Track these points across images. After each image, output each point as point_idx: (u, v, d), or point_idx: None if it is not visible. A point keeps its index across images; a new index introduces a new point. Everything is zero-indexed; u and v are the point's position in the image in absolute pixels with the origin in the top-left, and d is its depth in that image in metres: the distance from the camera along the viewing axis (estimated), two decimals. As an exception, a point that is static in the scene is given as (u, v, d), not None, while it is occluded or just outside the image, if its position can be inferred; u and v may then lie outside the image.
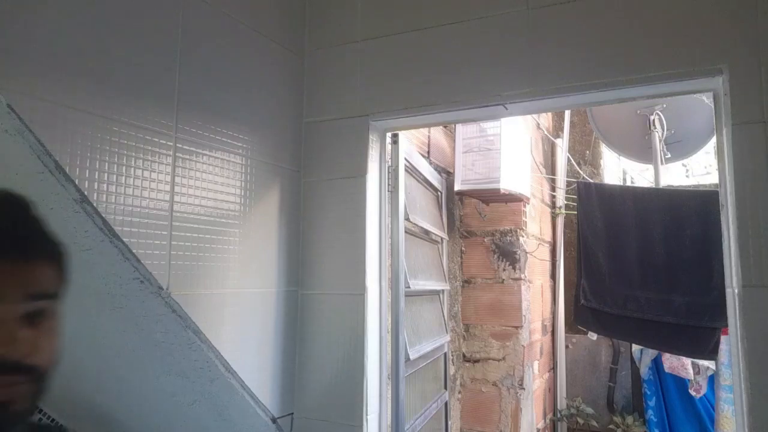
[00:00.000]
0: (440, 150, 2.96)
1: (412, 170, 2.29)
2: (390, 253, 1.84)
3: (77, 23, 1.11)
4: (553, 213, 4.17)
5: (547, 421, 3.81)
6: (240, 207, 1.52)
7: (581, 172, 4.26)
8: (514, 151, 3.02)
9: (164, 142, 1.28)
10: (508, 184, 2.92)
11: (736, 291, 1.26)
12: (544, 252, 3.88)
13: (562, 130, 4.26)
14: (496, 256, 3.23)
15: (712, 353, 2.81)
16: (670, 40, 1.37)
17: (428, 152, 2.80)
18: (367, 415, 1.63)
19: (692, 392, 3.32)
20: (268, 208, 1.64)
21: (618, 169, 4.68)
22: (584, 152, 4.49)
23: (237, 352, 1.45)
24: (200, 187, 1.39)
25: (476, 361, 3.22)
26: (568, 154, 4.26)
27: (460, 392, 3.19)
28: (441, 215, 2.87)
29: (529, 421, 3.26)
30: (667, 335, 2.85)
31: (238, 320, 1.50)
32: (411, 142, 2.45)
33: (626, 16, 1.42)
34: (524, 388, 3.13)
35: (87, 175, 1.10)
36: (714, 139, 1.49)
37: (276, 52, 1.72)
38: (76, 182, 1.06)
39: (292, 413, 1.69)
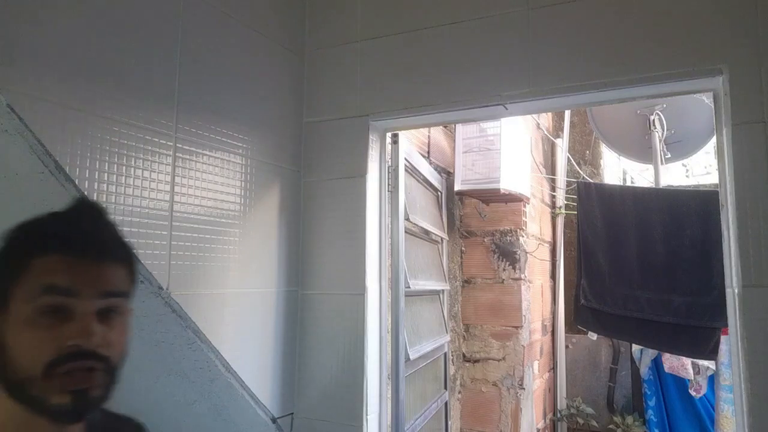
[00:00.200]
0: (440, 150, 2.96)
1: (412, 170, 2.29)
2: (390, 253, 1.84)
3: (77, 24, 1.11)
4: (553, 213, 4.17)
5: (547, 421, 3.81)
6: (240, 207, 1.52)
7: (581, 172, 4.26)
8: (514, 151, 3.02)
9: (164, 142, 1.28)
10: (508, 184, 2.91)
11: (736, 291, 1.26)
12: (544, 252, 3.88)
13: (562, 130, 4.26)
14: (496, 256, 3.23)
15: (712, 353, 2.80)
16: (670, 40, 1.37)
17: (428, 152, 2.80)
18: (367, 415, 1.63)
19: (692, 392, 3.32)
20: (268, 208, 1.64)
21: (618, 169, 4.68)
22: (584, 152, 4.49)
23: (237, 352, 1.45)
24: (200, 187, 1.39)
25: (476, 361, 3.22)
26: (568, 154, 4.26)
27: (460, 392, 3.19)
28: (441, 215, 2.87)
29: (529, 421, 3.26)
30: (667, 335, 2.85)
31: (238, 320, 1.50)
32: (411, 142, 2.45)
33: (626, 16, 1.42)
34: (524, 388, 3.13)
35: (87, 175, 1.10)
36: (714, 139, 1.49)
37: (276, 52, 1.72)
38: (76, 182, 1.06)
39: (292, 413, 1.69)
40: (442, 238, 2.83)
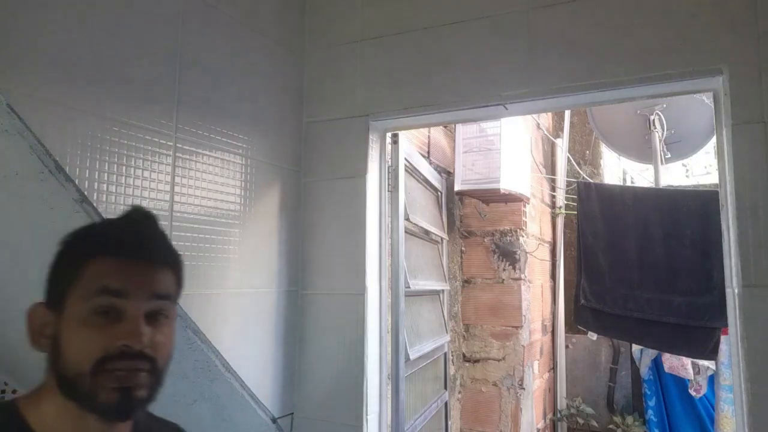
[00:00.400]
0: (440, 150, 2.96)
1: (412, 170, 2.29)
2: (390, 253, 1.84)
3: (77, 24, 1.11)
4: (553, 213, 4.16)
5: (547, 421, 3.81)
6: (240, 207, 1.52)
7: (581, 172, 4.26)
8: (514, 151, 3.02)
9: (164, 142, 1.28)
10: (508, 184, 2.91)
11: (736, 291, 1.26)
12: (544, 252, 3.88)
13: (562, 130, 4.26)
14: (496, 256, 3.23)
15: (712, 353, 2.81)
16: (670, 40, 1.37)
17: (428, 152, 2.80)
18: (367, 415, 1.63)
19: (692, 392, 3.32)
20: (268, 208, 1.64)
21: (618, 169, 4.68)
22: (584, 152, 4.49)
23: (237, 352, 1.45)
24: (200, 187, 1.39)
25: (476, 361, 3.22)
26: (568, 154, 4.26)
27: (460, 392, 3.19)
28: (441, 215, 2.87)
29: (529, 421, 3.26)
30: (667, 335, 2.85)
31: (238, 320, 1.50)
32: (411, 142, 2.45)
33: (626, 16, 1.42)
34: (524, 388, 3.13)
35: (87, 175, 1.10)
36: (714, 139, 1.49)
37: (276, 52, 1.72)
38: (76, 182, 1.06)
39: (292, 413, 1.69)
40: (442, 238, 2.83)
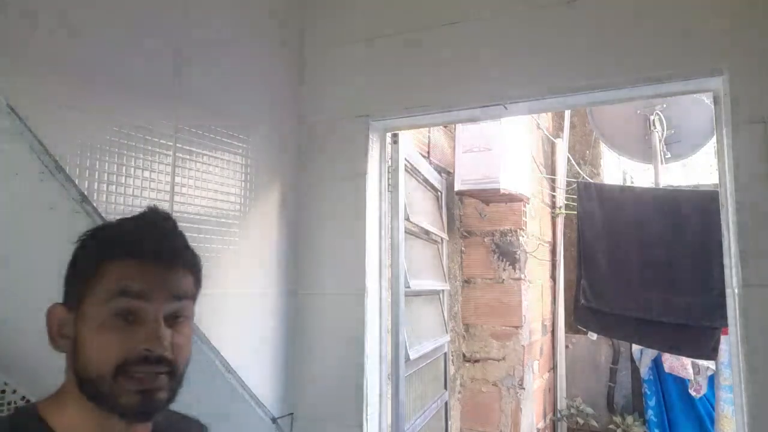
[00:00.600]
0: (440, 150, 2.96)
1: (412, 170, 2.29)
2: (390, 253, 1.84)
3: (77, 24, 1.11)
4: (553, 213, 4.16)
5: (547, 421, 3.81)
6: (240, 207, 1.52)
7: (581, 172, 4.26)
8: (514, 151, 3.02)
9: (164, 142, 1.28)
10: (508, 184, 2.91)
11: (736, 291, 1.26)
12: (544, 252, 3.88)
13: (562, 130, 4.26)
14: (496, 256, 3.23)
15: (712, 353, 2.81)
16: (670, 41, 1.37)
17: (428, 152, 2.80)
18: (367, 415, 1.63)
19: (692, 392, 3.32)
20: (268, 208, 1.64)
21: (618, 169, 4.67)
22: (584, 152, 4.49)
23: (237, 352, 1.45)
24: (200, 187, 1.39)
25: (476, 361, 3.22)
26: (568, 154, 4.26)
27: (460, 392, 3.19)
28: (441, 215, 2.87)
29: (529, 421, 3.26)
30: (667, 335, 2.85)
31: (238, 320, 1.50)
32: (411, 142, 2.45)
33: (626, 16, 1.42)
34: (524, 388, 3.13)
35: (87, 175, 1.10)
36: (714, 139, 1.49)
37: (276, 52, 1.72)
38: (76, 182, 1.06)
39: (292, 413, 1.69)
40: (442, 238, 2.83)
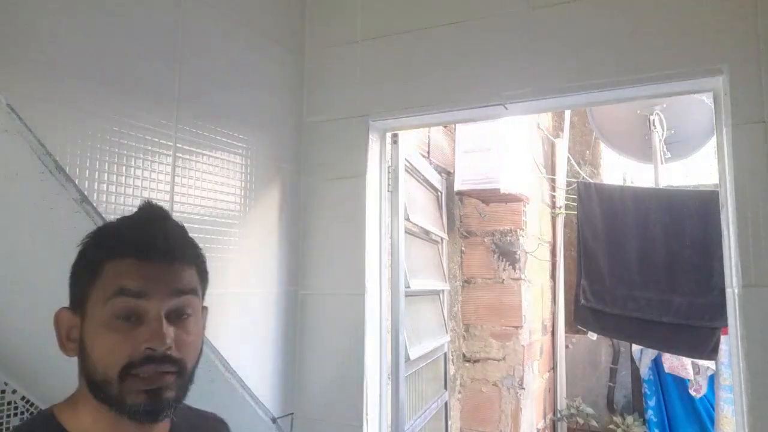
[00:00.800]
0: (440, 150, 2.96)
1: (412, 170, 2.29)
2: (390, 253, 1.84)
3: (77, 23, 1.11)
4: (553, 213, 4.16)
5: (547, 421, 3.81)
6: (240, 207, 1.52)
7: (581, 172, 4.26)
8: (514, 151, 3.02)
9: (164, 142, 1.28)
10: (508, 184, 2.91)
11: (736, 291, 1.26)
12: (544, 252, 3.88)
13: (562, 130, 4.26)
14: (496, 256, 3.23)
15: (712, 353, 2.81)
16: (670, 40, 1.37)
17: (428, 152, 2.80)
18: (367, 415, 1.63)
19: (692, 392, 3.32)
20: (268, 208, 1.64)
21: (618, 169, 4.67)
22: (584, 152, 4.49)
23: (237, 352, 1.45)
24: (200, 187, 1.39)
25: (476, 361, 3.22)
26: (568, 154, 4.26)
27: (460, 392, 3.19)
28: (441, 215, 2.87)
29: (529, 421, 3.26)
30: (667, 335, 2.85)
31: (238, 320, 1.50)
32: (411, 143, 2.45)
33: (626, 16, 1.42)
34: (524, 388, 3.13)
35: (87, 175, 1.10)
36: (714, 139, 1.49)
37: (276, 52, 1.72)
38: (76, 182, 1.06)
39: (292, 413, 1.69)
40: (442, 238, 2.83)
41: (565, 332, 4.07)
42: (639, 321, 2.92)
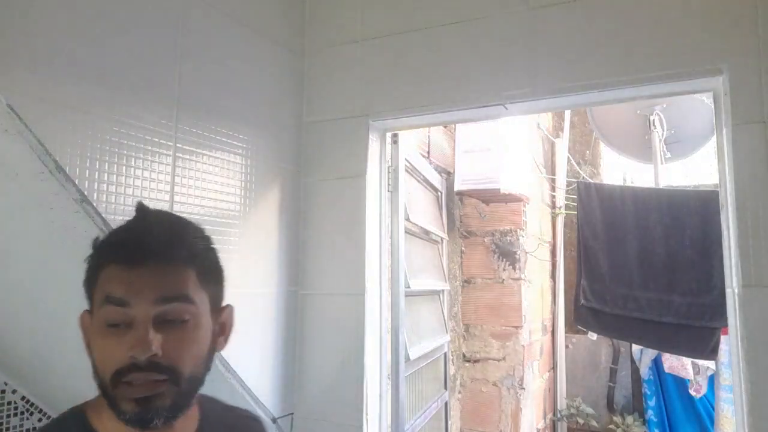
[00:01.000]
0: (440, 150, 2.96)
1: (412, 170, 2.29)
2: (390, 253, 1.84)
3: (77, 23, 1.11)
4: (553, 213, 4.16)
5: (547, 421, 3.81)
6: (240, 207, 1.52)
7: (581, 172, 4.26)
8: (514, 151, 3.02)
9: (164, 142, 1.28)
10: (507, 184, 2.91)
11: (736, 291, 1.26)
12: (544, 252, 3.88)
13: (562, 130, 4.26)
14: (496, 256, 3.23)
15: (712, 353, 2.81)
16: (670, 40, 1.37)
17: (428, 152, 2.80)
18: (367, 415, 1.63)
19: (692, 392, 3.32)
20: (268, 208, 1.64)
21: (618, 169, 4.67)
22: (584, 152, 4.49)
23: (237, 352, 1.45)
24: (200, 187, 1.39)
25: (476, 361, 3.22)
26: (568, 154, 4.26)
27: (460, 392, 3.19)
28: (441, 215, 2.87)
29: (529, 421, 3.26)
30: (667, 335, 2.85)
31: (238, 320, 1.49)
32: (411, 142, 2.45)
33: (626, 16, 1.42)
34: (524, 388, 3.13)
35: (87, 175, 1.10)
36: (714, 139, 1.49)
37: (276, 52, 1.71)
38: (76, 182, 1.06)
39: (292, 413, 1.69)
40: (442, 238, 2.83)
41: (565, 332, 4.07)
42: (639, 321, 2.92)
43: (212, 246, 0.81)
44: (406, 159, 1.99)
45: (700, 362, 3.20)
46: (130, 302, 0.70)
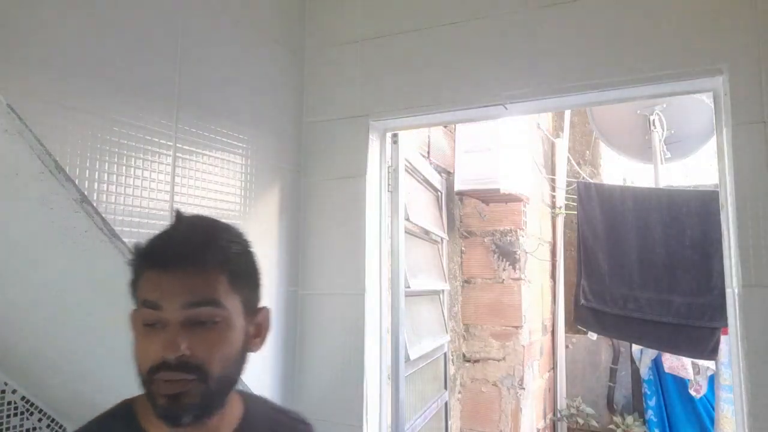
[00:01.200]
0: (440, 150, 2.96)
1: (412, 170, 2.29)
2: (390, 253, 1.84)
3: (77, 23, 1.11)
4: (553, 213, 4.16)
5: (547, 421, 3.81)
6: (240, 207, 1.52)
7: (581, 172, 4.26)
8: (514, 151, 3.02)
9: (164, 142, 1.28)
10: (507, 184, 2.91)
11: (736, 291, 1.26)
12: (544, 252, 3.88)
13: (562, 130, 4.26)
14: (496, 256, 3.23)
15: (712, 353, 2.81)
16: (670, 40, 1.37)
17: (428, 152, 2.80)
18: (367, 415, 1.63)
19: (692, 392, 3.32)
20: (268, 208, 1.64)
21: (618, 169, 4.67)
22: (584, 152, 4.50)
23: (237, 352, 1.45)
24: (200, 187, 1.39)
25: (476, 361, 3.22)
26: (568, 154, 4.26)
27: (460, 392, 3.19)
28: (441, 215, 2.87)
29: (529, 421, 3.26)
30: (667, 335, 2.85)
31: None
32: (411, 143, 2.45)
33: (626, 16, 1.42)
34: (524, 388, 3.13)
35: (87, 175, 1.10)
36: (714, 139, 1.49)
37: (276, 52, 1.71)
38: (76, 182, 1.06)
39: (292, 413, 1.68)
40: (442, 238, 2.83)
41: (565, 332, 4.08)
42: (639, 321, 2.92)
43: (248, 250, 0.83)
44: (406, 159, 1.99)
45: (700, 362, 3.20)
46: (162, 305, 0.73)
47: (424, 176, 2.50)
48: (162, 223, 1.26)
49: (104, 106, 1.15)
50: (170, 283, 0.74)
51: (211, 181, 1.42)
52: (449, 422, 2.76)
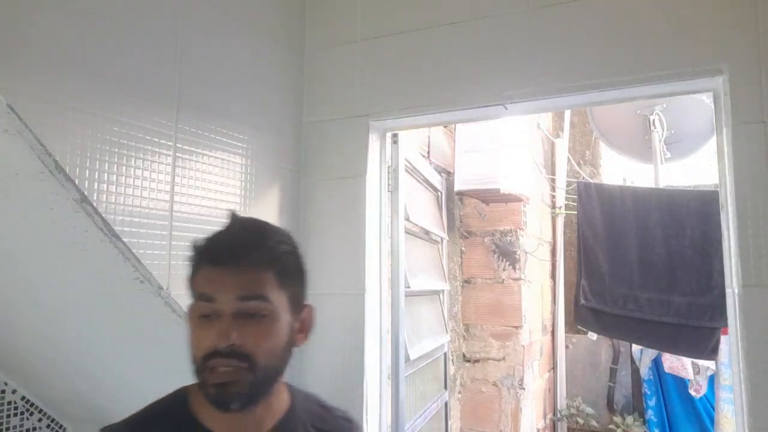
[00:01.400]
0: (440, 150, 2.96)
1: (412, 170, 2.29)
2: (390, 253, 1.84)
3: (77, 23, 1.11)
4: (553, 213, 4.16)
5: (547, 421, 3.81)
6: (240, 207, 1.52)
7: (581, 172, 4.26)
8: (513, 151, 3.02)
9: (164, 142, 1.28)
10: (507, 184, 2.91)
11: (736, 291, 1.26)
12: (544, 252, 3.88)
13: (562, 130, 4.26)
14: (496, 256, 3.23)
15: (712, 353, 2.81)
16: (670, 40, 1.37)
17: (428, 152, 2.80)
18: (367, 415, 1.63)
19: (692, 392, 3.32)
20: (268, 208, 1.64)
21: (618, 169, 4.67)
22: (584, 152, 4.50)
23: (237, 352, 1.45)
24: (200, 187, 1.39)
25: (476, 361, 3.22)
26: (568, 154, 4.26)
27: (460, 392, 3.19)
28: (441, 215, 2.87)
29: (529, 421, 3.26)
30: (667, 335, 2.85)
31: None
32: (411, 143, 2.45)
33: (626, 16, 1.42)
34: (524, 388, 3.13)
35: (87, 175, 1.10)
36: (714, 139, 1.49)
37: (276, 52, 1.71)
38: (76, 182, 1.06)
39: (292, 413, 1.68)
40: (442, 238, 2.83)
41: (565, 332, 4.08)
42: (639, 321, 2.92)
43: (296, 250, 0.92)
44: (406, 159, 1.99)
45: (700, 362, 3.20)
46: (215, 298, 0.80)
47: (424, 176, 2.50)
48: (162, 223, 1.26)
49: (104, 106, 1.15)
50: (224, 278, 0.80)
51: (211, 181, 1.42)
52: (449, 422, 2.76)
